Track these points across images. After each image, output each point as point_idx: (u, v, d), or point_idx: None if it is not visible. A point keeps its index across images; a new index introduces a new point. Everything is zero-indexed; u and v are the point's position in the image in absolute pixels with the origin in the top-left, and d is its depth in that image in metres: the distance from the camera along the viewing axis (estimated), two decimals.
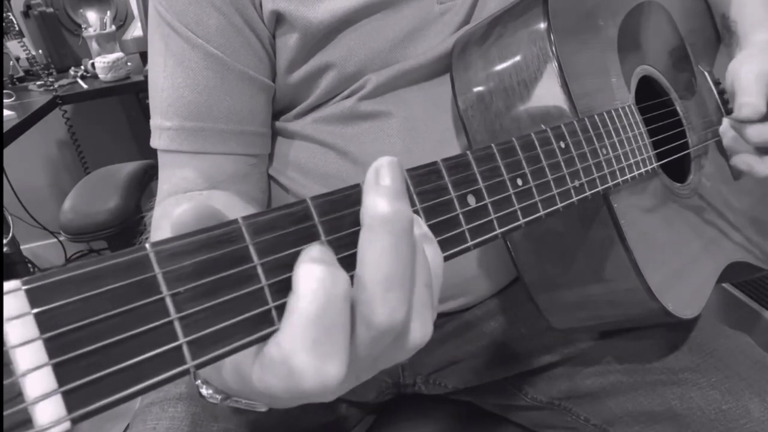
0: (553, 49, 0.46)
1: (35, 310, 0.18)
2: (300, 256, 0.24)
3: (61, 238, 2.07)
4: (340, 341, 0.24)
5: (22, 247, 1.84)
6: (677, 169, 0.59)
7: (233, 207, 0.54)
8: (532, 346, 0.64)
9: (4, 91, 1.65)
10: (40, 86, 1.71)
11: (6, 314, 0.17)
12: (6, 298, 0.17)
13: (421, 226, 0.29)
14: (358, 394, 0.65)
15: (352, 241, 0.26)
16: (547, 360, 0.63)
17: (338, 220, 0.25)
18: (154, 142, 0.56)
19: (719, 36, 0.72)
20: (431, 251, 0.29)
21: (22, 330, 0.17)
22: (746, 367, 0.55)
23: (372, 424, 0.70)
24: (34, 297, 0.18)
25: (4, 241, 1.57)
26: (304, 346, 0.23)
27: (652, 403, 0.56)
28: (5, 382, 0.17)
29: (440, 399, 0.69)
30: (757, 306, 1.24)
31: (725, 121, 0.58)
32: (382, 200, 0.25)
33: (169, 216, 0.50)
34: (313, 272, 0.23)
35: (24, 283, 0.18)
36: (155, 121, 0.56)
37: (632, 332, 0.60)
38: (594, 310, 0.52)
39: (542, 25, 0.47)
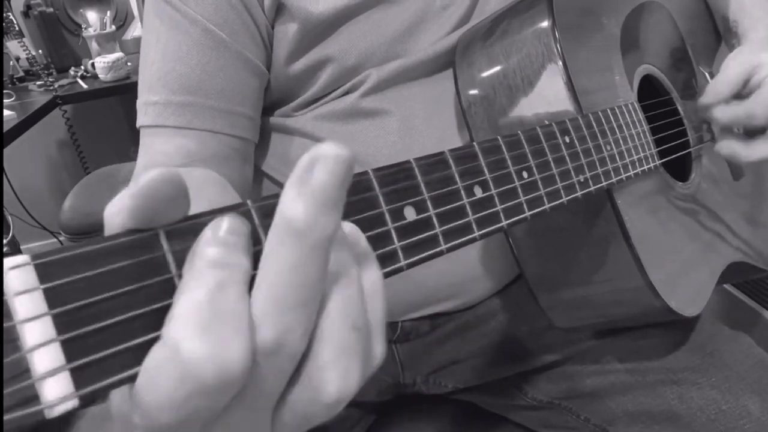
0: (558, 46, 0.46)
1: (44, 286, 0.18)
2: (203, 232, 0.21)
3: (61, 238, 2.06)
4: (240, 327, 0.19)
5: (22, 247, 1.83)
6: (679, 169, 0.60)
7: (210, 184, 0.51)
8: (532, 346, 0.64)
9: (4, 91, 1.65)
10: (40, 86, 1.71)
11: (14, 289, 0.17)
12: (14, 273, 0.17)
13: (359, 244, 0.24)
14: (359, 394, 0.65)
15: (362, 227, 0.26)
16: (547, 359, 0.63)
17: (349, 206, 0.25)
18: (139, 120, 0.53)
19: (719, 37, 0.72)
20: (371, 278, 0.24)
21: (30, 305, 0.17)
22: (746, 367, 0.55)
23: (372, 424, 0.70)
24: (42, 272, 0.18)
25: (4, 241, 1.56)
26: (195, 332, 0.19)
27: (652, 403, 0.56)
28: (12, 357, 0.17)
29: (440, 399, 0.69)
30: (757, 306, 1.25)
31: (715, 110, 0.58)
32: (300, 204, 0.20)
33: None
34: (206, 256, 0.20)
35: (33, 258, 0.18)
36: (142, 98, 0.53)
37: (632, 332, 0.60)
38: (596, 308, 0.52)
39: (547, 23, 0.47)
